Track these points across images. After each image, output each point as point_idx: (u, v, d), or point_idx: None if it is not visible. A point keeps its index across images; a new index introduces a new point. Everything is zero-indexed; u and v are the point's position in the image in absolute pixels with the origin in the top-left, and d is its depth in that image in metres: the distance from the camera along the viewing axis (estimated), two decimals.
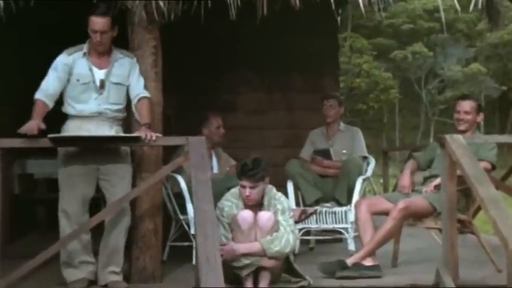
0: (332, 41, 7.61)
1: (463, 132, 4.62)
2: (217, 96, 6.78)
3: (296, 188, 5.65)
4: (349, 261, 4.42)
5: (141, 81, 4.28)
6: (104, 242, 4.23)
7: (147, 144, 4.11)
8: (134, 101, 4.26)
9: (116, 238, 4.20)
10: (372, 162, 5.73)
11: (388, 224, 4.43)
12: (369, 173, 5.66)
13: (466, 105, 4.72)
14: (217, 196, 4.27)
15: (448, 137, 3.97)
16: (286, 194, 5.42)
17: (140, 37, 4.29)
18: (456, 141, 3.90)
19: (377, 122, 33.90)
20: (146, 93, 4.28)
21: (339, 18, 8.45)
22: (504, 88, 33.44)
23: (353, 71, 30.05)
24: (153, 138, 4.05)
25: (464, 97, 4.88)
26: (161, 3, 4.09)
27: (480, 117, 4.76)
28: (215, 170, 5.44)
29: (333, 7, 4.17)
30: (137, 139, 4.07)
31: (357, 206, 4.68)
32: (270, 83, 7.15)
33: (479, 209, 4.65)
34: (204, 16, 4.11)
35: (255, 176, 4.08)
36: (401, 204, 4.43)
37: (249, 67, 7.00)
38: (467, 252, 4.76)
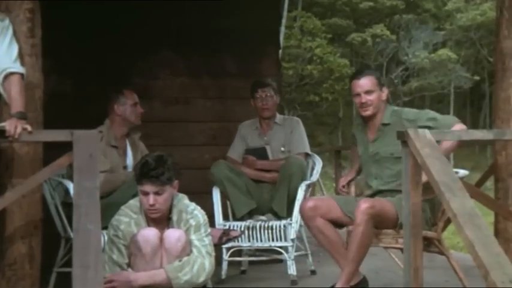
0: (272, 15, 7.47)
1: (372, 117, 4.41)
2: (128, 80, 6.53)
3: (224, 197, 5.38)
4: None
5: (14, 51, 3.84)
6: None
7: (15, 141, 3.65)
8: (0, 78, 3.81)
9: None
10: (319, 163, 5.52)
11: (357, 229, 4.06)
12: (315, 177, 5.45)
13: (365, 82, 4.42)
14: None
15: (411, 132, 3.65)
16: (211, 203, 5.23)
17: None
18: (422, 138, 3.62)
19: (331, 116, 34.22)
20: (18, 69, 3.83)
21: None
22: (477, 78, 34.10)
23: (304, 56, 30.19)
24: (18, 131, 3.58)
25: (359, 74, 4.52)
26: None
27: (385, 93, 4.52)
28: (129, 166, 5.04)
29: None
30: (2, 133, 3.62)
31: (303, 210, 4.31)
32: (195, 65, 6.96)
33: (449, 221, 4.35)
34: None
35: (160, 177, 3.78)
36: (363, 204, 4.06)
37: (169, 46, 6.83)
38: (435, 276, 4.74)
